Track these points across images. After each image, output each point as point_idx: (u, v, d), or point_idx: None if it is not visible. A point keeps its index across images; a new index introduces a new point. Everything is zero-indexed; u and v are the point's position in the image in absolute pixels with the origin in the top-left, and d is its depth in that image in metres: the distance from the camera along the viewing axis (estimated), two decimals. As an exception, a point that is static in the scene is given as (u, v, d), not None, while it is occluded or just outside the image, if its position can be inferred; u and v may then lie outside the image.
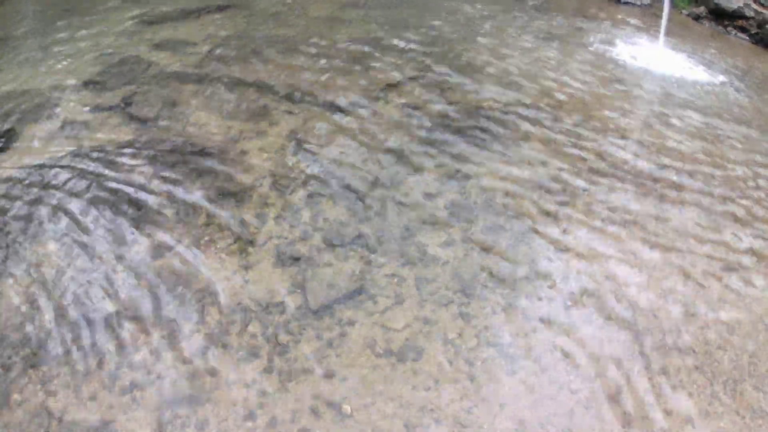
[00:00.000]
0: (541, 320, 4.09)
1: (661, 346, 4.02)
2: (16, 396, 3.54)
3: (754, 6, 11.48)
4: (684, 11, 12.12)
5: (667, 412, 3.62)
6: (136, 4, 10.12)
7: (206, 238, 4.64)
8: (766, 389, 3.82)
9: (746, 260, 4.85)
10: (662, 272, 4.61)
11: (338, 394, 3.56)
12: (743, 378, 3.88)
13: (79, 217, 4.86)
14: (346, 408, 3.49)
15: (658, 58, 9.10)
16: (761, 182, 5.85)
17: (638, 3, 12.31)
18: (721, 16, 11.66)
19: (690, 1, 12.28)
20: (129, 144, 5.75)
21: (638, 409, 3.61)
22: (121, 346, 3.83)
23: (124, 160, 5.51)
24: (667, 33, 9.73)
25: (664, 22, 9.59)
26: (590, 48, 9.09)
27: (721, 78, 8.76)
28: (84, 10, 9.95)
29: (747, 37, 11.35)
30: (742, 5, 11.40)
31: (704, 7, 11.93)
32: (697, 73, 8.80)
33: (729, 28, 11.49)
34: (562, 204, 5.18)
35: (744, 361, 4.00)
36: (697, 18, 11.90)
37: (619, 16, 11.33)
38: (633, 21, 11.19)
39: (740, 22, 11.45)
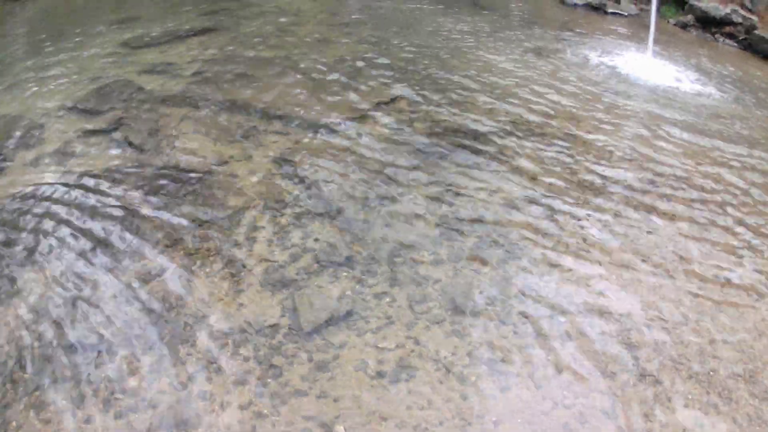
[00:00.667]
0: (534, 337, 4.08)
1: (657, 357, 4.02)
2: (13, 422, 3.54)
3: (742, 12, 11.54)
4: (671, 20, 12.19)
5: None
6: (123, 29, 10.17)
7: (196, 263, 4.63)
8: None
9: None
10: (652, 290, 4.61)
11: (331, 415, 3.55)
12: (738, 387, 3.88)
13: (69, 243, 4.87)
14: (339, 429, 3.48)
15: (647, 67, 9.14)
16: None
17: (625, 13, 12.39)
18: (709, 24, 11.73)
19: (677, 10, 12.34)
20: (118, 168, 5.76)
21: (633, 423, 3.60)
22: (114, 372, 3.82)
23: (113, 184, 5.53)
24: (656, 42, 9.76)
25: (651, 31, 9.64)
26: (578, 60, 9.14)
27: (711, 84, 8.79)
28: (72, 35, 9.99)
29: (735, 44, 11.41)
30: (729, 12, 11.46)
31: (691, 15, 12.00)
32: (685, 81, 8.84)
33: (717, 35, 11.56)
34: (552, 221, 5.18)
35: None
36: (684, 26, 11.97)
37: (607, 27, 11.40)
38: (621, 31, 11.26)
39: (728, 29, 11.51)
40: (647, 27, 10.08)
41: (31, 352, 3.95)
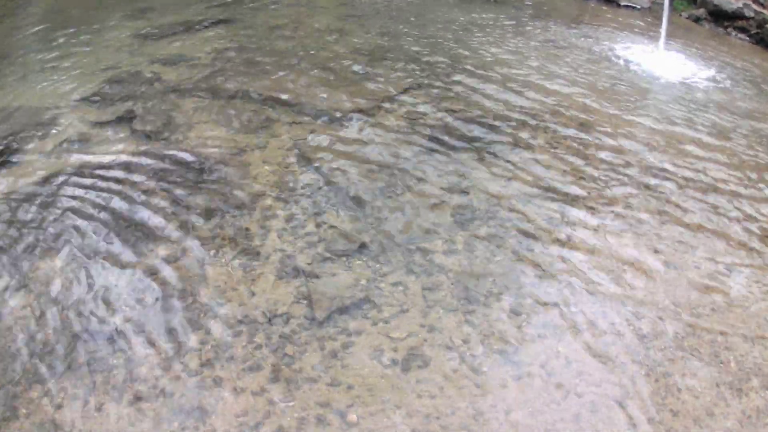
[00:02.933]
0: (546, 326, 4.09)
1: (666, 347, 4.03)
2: (23, 409, 3.55)
3: (754, 6, 11.50)
4: (683, 13, 12.16)
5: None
6: (135, 21, 10.15)
7: (211, 251, 4.65)
8: None
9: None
10: (666, 280, 4.62)
11: (344, 402, 3.57)
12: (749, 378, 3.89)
13: (83, 232, 4.88)
14: (352, 416, 3.49)
15: (659, 60, 9.12)
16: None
17: (638, 6, 12.35)
18: (721, 18, 11.68)
19: (689, 3, 12.31)
20: (132, 158, 5.77)
21: (644, 412, 3.62)
22: (127, 359, 3.84)
23: (127, 174, 5.53)
24: (668, 35, 9.73)
25: (664, 24, 9.60)
26: (590, 53, 9.12)
27: (723, 78, 8.77)
28: (84, 27, 9.97)
29: (747, 38, 11.37)
30: (741, 6, 11.42)
31: (704, 8, 11.96)
32: (698, 74, 8.81)
33: (729, 29, 11.52)
34: (565, 211, 5.19)
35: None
36: (696, 20, 11.93)
37: (619, 20, 11.36)
38: (634, 24, 11.22)
39: (740, 23, 11.47)
40: (660, 20, 10.05)
41: (44, 338, 3.98)
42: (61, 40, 9.33)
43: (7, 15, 11.69)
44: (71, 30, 9.90)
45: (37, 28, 10.54)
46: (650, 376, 3.82)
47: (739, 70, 9.42)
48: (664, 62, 9.09)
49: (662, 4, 10.37)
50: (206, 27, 9.56)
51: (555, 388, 3.70)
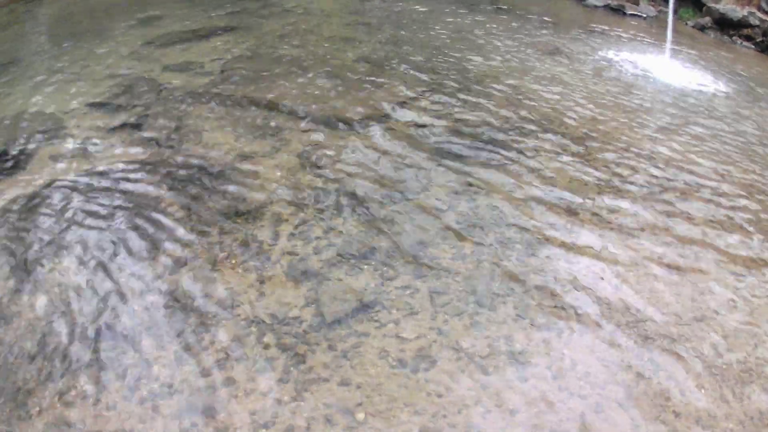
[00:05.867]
0: (552, 329, 4.13)
1: (669, 349, 4.06)
2: (35, 408, 3.60)
3: (759, 15, 11.53)
4: (689, 22, 12.20)
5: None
6: (145, 28, 10.21)
7: (221, 255, 4.70)
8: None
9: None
10: (673, 283, 4.65)
11: (352, 402, 3.60)
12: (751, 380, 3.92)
13: (93, 236, 4.93)
14: (360, 415, 3.53)
15: (665, 68, 9.15)
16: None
17: (644, 15, 12.40)
18: (726, 26, 11.72)
19: (695, 12, 12.34)
20: (141, 164, 5.82)
21: (645, 411, 3.65)
22: (139, 359, 3.88)
23: (137, 179, 5.59)
24: (674, 44, 9.77)
25: (669, 33, 9.67)
26: (597, 61, 9.16)
27: (727, 85, 8.80)
28: (92, 34, 10.04)
29: (752, 46, 11.40)
30: (746, 14, 11.46)
31: (709, 17, 12.00)
32: (704, 82, 8.85)
33: (734, 38, 11.55)
34: (572, 216, 5.22)
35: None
36: (702, 28, 11.97)
37: (626, 28, 11.39)
38: (640, 32, 11.25)
39: (746, 31, 11.50)
40: (665, 28, 10.10)
41: (56, 339, 4.02)
42: (69, 47, 9.39)
43: (15, 21, 11.76)
44: (80, 36, 9.97)
45: (45, 35, 10.61)
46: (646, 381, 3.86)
47: (745, 78, 9.45)
48: (671, 70, 9.12)
49: (668, 13, 10.43)
50: (215, 35, 9.63)
51: (559, 389, 3.73)
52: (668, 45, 9.75)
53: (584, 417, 3.58)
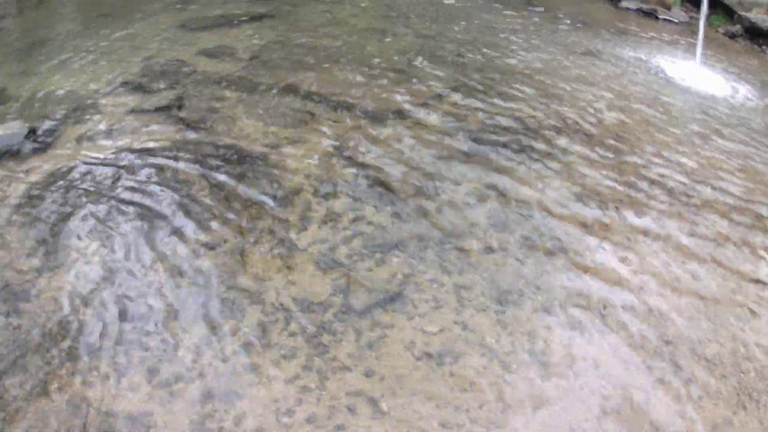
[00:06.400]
0: (574, 328, 4.14)
1: (691, 353, 4.07)
2: (54, 385, 3.63)
3: (790, 26, 11.49)
4: (720, 29, 12.15)
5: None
6: (179, 11, 10.24)
7: (250, 240, 4.73)
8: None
9: None
10: (688, 291, 4.66)
11: (376, 392, 3.63)
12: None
13: (120, 215, 4.97)
14: (383, 406, 3.55)
15: (695, 75, 9.14)
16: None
17: (676, 20, 12.36)
18: (757, 35, 11.68)
19: (726, 19, 12.30)
20: (172, 147, 5.85)
21: (665, 415, 3.66)
22: (162, 342, 3.91)
23: (168, 162, 5.61)
24: (704, 50, 9.75)
25: (700, 40, 9.64)
26: (628, 64, 9.14)
27: (759, 95, 8.76)
28: (124, 16, 10.06)
29: (782, 56, 11.34)
30: (777, 23, 11.42)
31: (740, 25, 11.96)
32: (733, 89, 8.82)
33: (764, 47, 11.50)
34: (599, 218, 5.23)
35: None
36: (732, 36, 11.93)
37: (657, 32, 11.37)
38: (671, 37, 11.23)
39: (775, 41, 11.46)
40: (696, 34, 10.07)
41: (78, 318, 4.06)
42: (100, 28, 9.41)
43: (45, 1, 11.79)
44: (111, 17, 10.00)
45: (76, 14, 10.64)
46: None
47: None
48: (701, 77, 9.10)
49: (700, 19, 10.40)
50: (248, 21, 9.64)
51: (581, 387, 3.75)
52: (699, 51, 9.72)
53: (604, 416, 3.59)
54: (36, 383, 3.64)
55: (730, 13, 12.36)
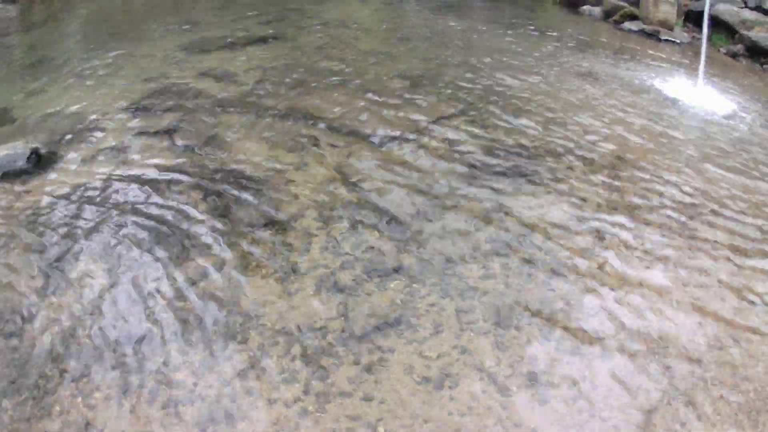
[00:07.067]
0: (573, 353, 4.15)
1: (690, 375, 4.07)
2: (56, 407, 3.66)
3: (790, 44, 11.51)
4: (722, 49, 12.18)
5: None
6: (182, 34, 10.29)
7: (250, 265, 4.75)
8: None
9: None
10: (688, 311, 4.66)
11: (375, 416, 3.64)
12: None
13: (122, 238, 5.00)
14: (382, 430, 3.56)
15: (698, 95, 9.14)
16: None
17: (678, 41, 12.40)
18: (758, 54, 11.70)
19: (728, 38, 12.33)
20: (173, 170, 5.89)
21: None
22: (162, 365, 3.94)
23: (168, 185, 5.65)
24: (707, 70, 9.76)
25: (702, 60, 9.65)
26: (630, 86, 9.14)
27: (757, 113, 8.77)
28: (129, 36, 10.13)
29: (783, 74, 11.35)
30: (777, 42, 11.44)
31: (741, 44, 11.98)
32: (736, 110, 8.83)
33: (765, 66, 11.52)
34: (599, 240, 5.23)
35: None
36: (734, 55, 11.95)
37: (660, 54, 11.37)
38: (674, 58, 11.24)
39: (776, 59, 11.48)
40: (699, 55, 10.10)
41: (80, 340, 4.09)
42: (105, 48, 9.48)
43: (52, 19, 11.85)
44: (116, 38, 10.09)
45: (81, 35, 10.70)
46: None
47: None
48: (704, 97, 9.11)
49: (701, 40, 10.43)
50: (251, 44, 9.70)
51: (579, 411, 3.75)
52: (701, 71, 9.73)
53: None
54: (37, 405, 3.67)
55: (731, 32, 12.38)
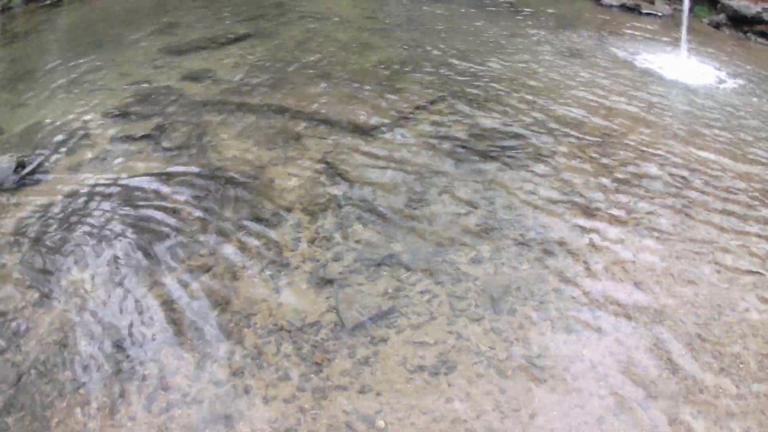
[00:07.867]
0: (569, 332, 4.14)
1: (687, 342, 4.07)
2: (54, 419, 3.64)
3: (773, 10, 11.48)
4: (704, 19, 12.16)
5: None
6: (163, 36, 10.25)
7: (241, 262, 4.74)
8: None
9: None
10: (686, 277, 4.65)
11: (372, 409, 3.63)
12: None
13: (112, 244, 4.99)
14: (380, 423, 3.55)
15: (682, 67, 9.15)
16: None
17: (659, 14, 12.38)
18: (741, 22, 11.67)
19: (710, 9, 12.31)
20: (160, 173, 5.87)
21: (665, 417, 3.66)
22: (159, 368, 3.92)
23: (156, 188, 5.64)
24: (690, 41, 9.77)
25: (684, 31, 9.66)
26: (614, 61, 9.15)
27: (745, 83, 8.77)
28: (110, 43, 10.08)
29: (766, 42, 11.34)
30: (760, 10, 11.41)
31: (723, 14, 11.96)
32: (720, 79, 8.83)
33: (748, 34, 11.50)
34: (590, 218, 5.22)
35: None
36: (717, 25, 11.93)
37: (642, 27, 11.38)
38: (656, 31, 11.24)
39: (760, 27, 11.45)
40: (681, 27, 10.10)
41: (75, 349, 4.07)
42: (87, 57, 9.42)
43: (34, 30, 11.81)
44: (98, 45, 10.02)
45: (63, 44, 10.65)
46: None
47: (762, 76, 9.40)
48: (687, 68, 9.12)
49: (683, 11, 10.43)
50: (232, 42, 9.66)
51: (578, 391, 3.75)
52: (683, 43, 9.74)
53: (603, 419, 3.59)
54: (36, 418, 3.66)
55: (713, 2, 12.36)
